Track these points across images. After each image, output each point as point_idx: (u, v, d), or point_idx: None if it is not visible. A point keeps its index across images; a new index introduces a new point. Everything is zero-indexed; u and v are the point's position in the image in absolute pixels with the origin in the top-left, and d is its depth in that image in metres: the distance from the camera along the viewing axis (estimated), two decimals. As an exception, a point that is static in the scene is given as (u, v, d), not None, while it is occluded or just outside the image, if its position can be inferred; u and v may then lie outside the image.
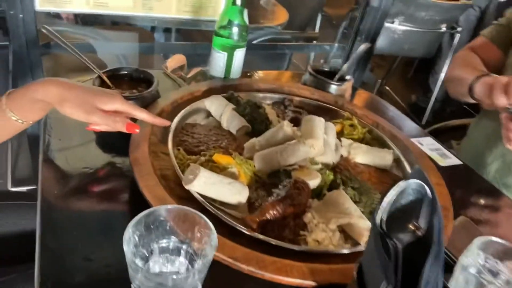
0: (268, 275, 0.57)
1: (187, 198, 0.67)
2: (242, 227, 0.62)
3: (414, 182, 0.49)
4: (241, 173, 0.74)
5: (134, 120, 0.72)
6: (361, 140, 0.93)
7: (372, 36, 1.58)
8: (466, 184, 0.99)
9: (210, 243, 0.51)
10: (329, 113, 1.03)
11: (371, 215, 0.70)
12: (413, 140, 1.04)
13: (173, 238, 0.55)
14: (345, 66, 1.17)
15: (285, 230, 0.65)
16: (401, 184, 0.49)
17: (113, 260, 0.58)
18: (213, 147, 0.81)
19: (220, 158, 0.74)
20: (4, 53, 1.28)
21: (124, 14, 1.23)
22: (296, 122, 0.90)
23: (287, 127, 0.80)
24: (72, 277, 0.55)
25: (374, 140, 0.95)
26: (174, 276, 0.47)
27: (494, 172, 1.17)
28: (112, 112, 0.68)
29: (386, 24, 2.60)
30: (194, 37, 1.89)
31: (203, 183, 0.65)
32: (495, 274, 0.53)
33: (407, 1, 2.53)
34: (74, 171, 0.74)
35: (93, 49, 1.46)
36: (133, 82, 0.94)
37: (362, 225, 0.64)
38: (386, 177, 0.84)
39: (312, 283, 0.57)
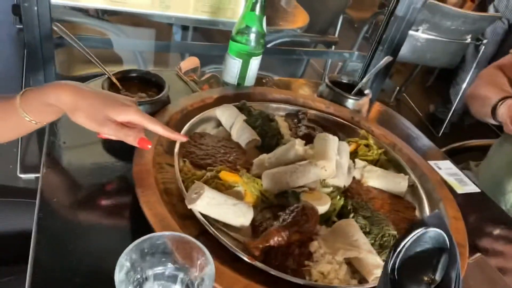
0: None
1: (189, 217, 0.64)
2: (244, 254, 0.59)
3: (432, 230, 0.45)
4: (247, 192, 0.71)
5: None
6: (376, 162, 0.89)
7: (395, 47, 1.52)
8: (483, 214, 0.94)
9: (208, 273, 0.49)
10: (344, 129, 0.99)
11: (380, 249, 0.66)
12: (431, 163, 0.99)
13: (170, 265, 0.52)
14: (364, 80, 1.12)
15: (288, 259, 0.62)
16: (418, 230, 0.45)
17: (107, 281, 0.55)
18: (221, 160, 0.78)
19: (227, 176, 0.70)
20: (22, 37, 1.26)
21: (141, 11, 1.21)
22: (308, 138, 0.86)
23: (298, 146, 0.76)
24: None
25: (389, 162, 0.91)
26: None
27: (514, 201, 1.12)
28: (125, 122, 0.64)
29: (410, 32, 2.53)
30: (213, 36, 1.86)
31: (206, 204, 0.62)
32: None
33: (433, 9, 2.45)
34: (76, 178, 0.72)
35: (110, 43, 1.44)
36: (143, 85, 0.91)
37: (372, 261, 0.61)
38: (399, 205, 0.80)
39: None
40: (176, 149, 0.76)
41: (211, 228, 0.61)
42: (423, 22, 2.53)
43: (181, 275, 0.52)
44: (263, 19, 0.96)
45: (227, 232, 0.65)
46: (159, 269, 0.51)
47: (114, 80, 0.86)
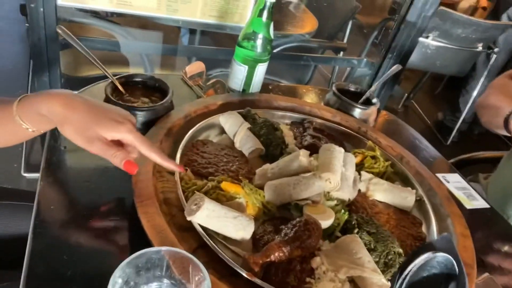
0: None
1: (188, 228, 0.62)
2: (243, 270, 0.57)
3: (441, 255, 0.43)
4: (249, 204, 0.69)
5: None
6: (382, 174, 0.87)
7: (404, 54, 1.50)
8: (491, 230, 0.91)
9: (205, 291, 0.47)
10: (350, 139, 0.97)
11: (385, 267, 0.64)
12: (439, 176, 0.96)
13: (166, 281, 0.50)
14: (372, 88, 1.10)
15: (289, 275, 0.60)
16: (426, 255, 0.43)
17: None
18: (223, 169, 0.76)
19: (228, 187, 0.69)
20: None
21: (148, 14, 1.20)
22: (313, 149, 0.84)
23: (303, 157, 0.74)
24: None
25: (396, 175, 0.88)
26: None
27: (524, 217, 1.08)
28: (116, 141, 0.61)
29: (420, 39, 2.49)
30: (221, 40, 1.85)
31: (206, 216, 0.60)
32: None
33: (443, 16, 2.42)
34: (75, 185, 0.70)
35: (117, 45, 1.43)
36: (147, 90, 0.90)
37: (376, 281, 0.58)
38: (405, 221, 0.77)
39: None
40: (178, 157, 0.74)
41: (210, 241, 0.60)
42: (434, 29, 2.49)
43: (177, 291, 0.50)
44: (270, 25, 0.94)
45: (227, 246, 0.63)
46: (154, 285, 0.50)
47: (117, 84, 0.85)
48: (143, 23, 1.66)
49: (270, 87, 1.17)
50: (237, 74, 1.00)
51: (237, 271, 0.57)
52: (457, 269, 0.42)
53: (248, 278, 0.56)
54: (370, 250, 0.65)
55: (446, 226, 0.77)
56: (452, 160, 1.31)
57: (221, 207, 0.63)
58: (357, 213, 0.73)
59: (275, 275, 0.59)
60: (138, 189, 0.64)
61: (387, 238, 0.67)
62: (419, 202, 0.82)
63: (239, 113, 0.90)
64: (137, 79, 0.90)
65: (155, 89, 0.90)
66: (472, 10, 3.15)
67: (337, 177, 0.73)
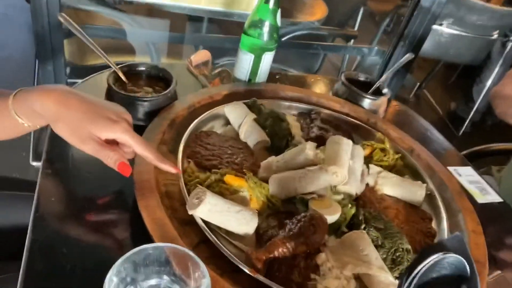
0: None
1: (190, 222, 0.61)
2: (245, 266, 0.55)
3: (452, 256, 0.40)
4: (252, 198, 0.67)
5: None
6: (392, 168, 0.84)
7: (417, 42, 1.45)
8: (503, 225, 0.88)
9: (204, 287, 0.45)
10: (359, 131, 0.94)
11: (393, 264, 0.62)
12: (451, 169, 0.93)
13: (165, 277, 0.49)
14: (382, 78, 1.07)
15: (293, 272, 0.58)
16: (436, 255, 0.41)
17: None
18: (227, 162, 0.74)
19: (232, 180, 0.67)
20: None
21: (154, 1, 1.17)
22: (321, 140, 0.81)
23: (309, 150, 0.72)
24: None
25: (406, 168, 0.86)
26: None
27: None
28: (111, 140, 0.59)
29: (433, 26, 2.42)
30: (228, 28, 1.81)
31: (208, 210, 0.59)
32: None
33: (458, 2, 2.34)
34: (76, 177, 0.69)
35: (123, 33, 1.41)
36: (151, 80, 0.88)
37: (383, 279, 0.56)
38: (415, 216, 0.75)
39: None
40: (181, 149, 0.73)
41: (212, 236, 0.58)
42: (447, 16, 2.42)
43: (177, 287, 0.49)
44: (277, 12, 0.91)
45: (230, 240, 0.61)
46: (153, 282, 0.49)
47: (120, 73, 0.83)
48: (150, 11, 1.63)
49: (277, 77, 1.14)
50: (243, 63, 0.97)
51: (239, 268, 0.56)
52: (468, 271, 0.40)
53: (251, 274, 0.55)
54: (377, 246, 0.62)
55: (457, 221, 0.75)
56: (464, 152, 1.27)
57: (224, 201, 0.61)
58: (365, 208, 0.71)
59: (278, 272, 0.58)
60: (139, 182, 0.63)
61: (395, 234, 0.64)
62: (429, 196, 0.80)
63: (244, 103, 0.87)
64: (140, 68, 0.88)
65: (159, 78, 0.88)
66: (489, -4, 3.05)
67: (344, 171, 0.71)
